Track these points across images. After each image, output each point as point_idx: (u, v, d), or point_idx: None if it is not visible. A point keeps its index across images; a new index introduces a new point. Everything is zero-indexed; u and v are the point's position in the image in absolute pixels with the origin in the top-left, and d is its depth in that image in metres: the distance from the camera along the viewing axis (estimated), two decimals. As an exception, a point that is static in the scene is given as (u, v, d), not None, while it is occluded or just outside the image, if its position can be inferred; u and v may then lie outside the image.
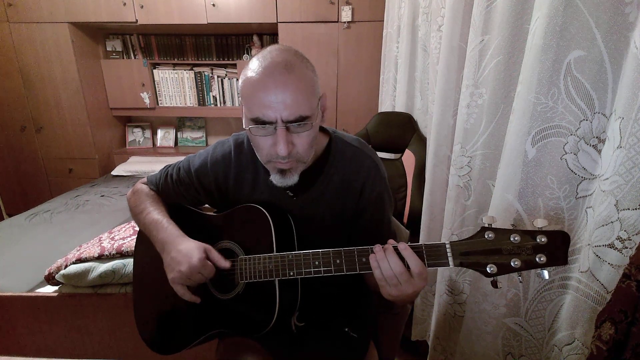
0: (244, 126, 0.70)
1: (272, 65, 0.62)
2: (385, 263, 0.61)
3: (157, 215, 0.80)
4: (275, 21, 2.39)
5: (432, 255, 0.61)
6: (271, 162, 0.69)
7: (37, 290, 1.26)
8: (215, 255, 0.73)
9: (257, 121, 0.64)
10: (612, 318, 0.56)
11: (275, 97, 0.61)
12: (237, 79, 2.74)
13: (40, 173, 2.73)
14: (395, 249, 0.61)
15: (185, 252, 0.71)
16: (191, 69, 2.80)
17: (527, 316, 0.84)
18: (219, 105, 2.86)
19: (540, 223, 0.56)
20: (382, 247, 0.62)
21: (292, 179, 0.70)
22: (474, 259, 0.59)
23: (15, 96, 2.54)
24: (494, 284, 0.59)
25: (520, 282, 0.68)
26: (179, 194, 0.86)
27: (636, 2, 0.58)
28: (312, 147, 0.70)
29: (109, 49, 2.78)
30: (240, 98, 0.69)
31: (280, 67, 0.62)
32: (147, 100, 2.75)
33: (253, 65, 0.64)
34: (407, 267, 0.60)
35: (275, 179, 0.71)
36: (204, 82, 2.81)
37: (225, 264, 0.73)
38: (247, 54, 2.72)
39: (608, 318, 0.57)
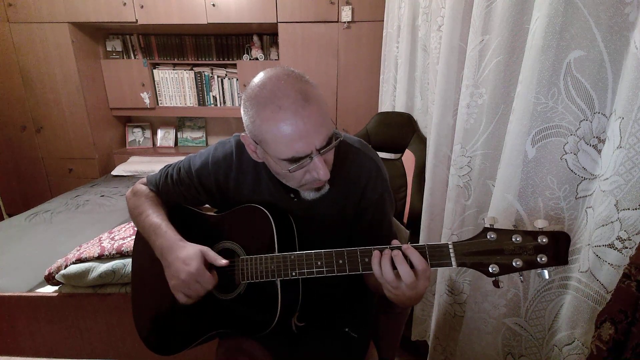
0: (276, 168, 0.68)
1: (289, 101, 0.59)
2: (387, 266, 0.60)
3: (155, 218, 0.79)
4: (275, 21, 2.39)
5: (435, 256, 0.61)
6: (305, 185, 0.70)
7: (37, 290, 1.26)
8: (212, 255, 0.72)
9: (293, 160, 0.63)
10: (612, 318, 0.56)
11: (305, 132, 0.60)
12: (237, 79, 2.75)
13: (40, 173, 2.73)
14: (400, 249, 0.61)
15: (183, 259, 0.70)
16: (191, 69, 2.80)
17: (527, 316, 0.84)
18: (219, 105, 2.86)
19: (541, 224, 0.56)
20: (385, 252, 0.62)
21: (325, 189, 0.72)
22: (476, 259, 0.59)
23: (15, 96, 2.54)
24: (496, 284, 0.59)
25: (522, 281, 0.68)
26: (179, 194, 0.86)
27: (636, 2, 0.58)
28: None
29: (109, 49, 2.78)
30: (251, 137, 0.67)
31: (298, 100, 0.59)
32: (147, 100, 2.75)
33: (264, 107, 0.60)
34: (411, 266, 0.60)
35: (310, 195, 0.72)
36: (204, 82, 2.81)
37: (222, 262, 0.72)
38: (247, 54, 2.72)
39: (608, 318, 0.57)
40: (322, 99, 0.63)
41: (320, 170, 0.63)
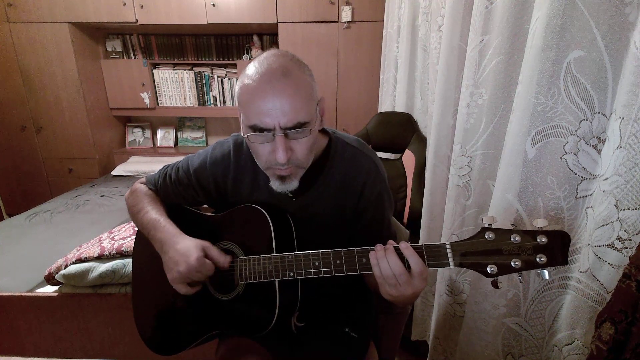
0: (242, 133, 0.69)
1: (269, 71, 0.62)
2: (385, 262, 0.61)
3: (155, 214, 0.80)
4: (275, 21, 2.39)
5: (433, 256, 0.61)
6: (270, 168, 0.69)
7: (37, 290, 1.26)
8: (215, 253, 0.72)
9: (255, 128, 0.63)
10: (612, 318, 0.56)
11: (272, 104, 0.61)
12: (237, 80, 2.75)
13: (40, 173, 2.73)
14: (397, 249, 0.61)
15: (183, 251, 0.70)
16: (191, 69, 2.80)
17: (527, 316, 0.84)
18: (219, 105, 2.86)
19: (540, 223, 0.56)
20: (384, 246, 0.62)
21: (292, 185, 0.71)
22: (474, 260, 0.59)
23: (15, 96, 2.54)
24: (494, 284, 0.59)
25: (521, 282, 0.68)
26: (178, 194, 0.86)
27: (636, 2, 0.58)
28: (311, 152, 0.70)
29: (109, 49, 2.78)
30: (237, 104, 0.70)
31: (277, 73, 0.61)
32: (147, 100, 2.75)
33: (249, 72, 0.64)
34: (408, 267, 0.60)
35: (275, 185, 0.71)
36: (204, 82, 2.81)
37: (224, 263, 0.72)
38: (247, 54, 2.72)
39: (608, 318, 0.57)
40: (306, 84, 0.64)
41: (279, 150, 0.63)
